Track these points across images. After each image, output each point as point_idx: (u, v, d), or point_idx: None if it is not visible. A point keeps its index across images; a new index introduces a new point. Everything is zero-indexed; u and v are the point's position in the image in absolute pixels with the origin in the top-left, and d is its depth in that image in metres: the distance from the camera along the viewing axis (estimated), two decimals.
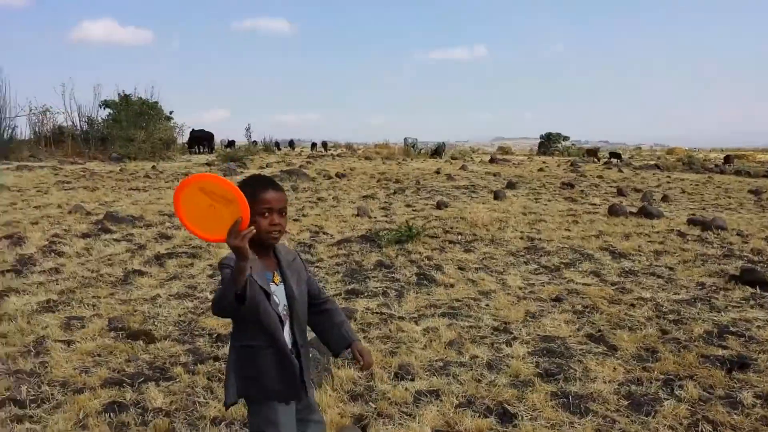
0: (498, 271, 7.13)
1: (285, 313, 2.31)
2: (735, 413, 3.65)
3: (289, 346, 2.33)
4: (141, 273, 6.64)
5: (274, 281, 2.29)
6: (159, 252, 7.51)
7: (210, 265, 7.07)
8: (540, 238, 8.96)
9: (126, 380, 3.95)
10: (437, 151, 36.62)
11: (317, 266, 7.21)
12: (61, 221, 9.56)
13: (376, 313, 5.48)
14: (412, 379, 4.07)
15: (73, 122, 30.33)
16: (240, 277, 1.99)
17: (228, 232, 1.97)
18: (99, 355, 4.38)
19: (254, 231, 2.02)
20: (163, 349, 4.50)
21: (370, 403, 3.72)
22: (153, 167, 21.73)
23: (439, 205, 12.12)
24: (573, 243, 8.66)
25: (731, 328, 5.10)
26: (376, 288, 6.30)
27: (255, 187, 2.24)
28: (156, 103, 33.16)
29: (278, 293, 2.29)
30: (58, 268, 6.75)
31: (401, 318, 5.34)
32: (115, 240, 8.22)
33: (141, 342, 4.58)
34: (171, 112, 34.98)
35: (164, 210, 10.81)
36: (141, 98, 32.38)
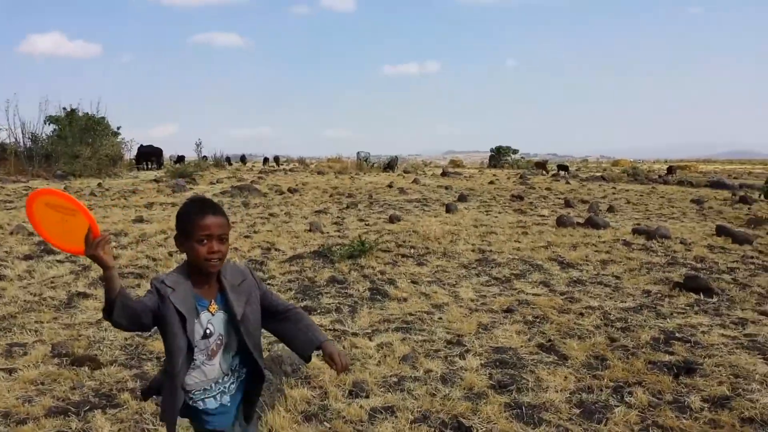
0: (450, 283, 7.18)
1: (219, 341, 2.26)
2: (684, 417, 3.75)
3: (224, 373, 2.31)
4: (86, 295, 6.43)
5: (209, 310, 2.23)
6: None
7: None
8: (491, 250, 9.06)
9: (71, 409, 3.81)
10: (390, 165, 36.73)
11: (269, 283, 7.11)
12: (2, 243, 9.21)
13: (330, 329, 5.45)
14: (367, 396, 4.05)
15: (16, 139, 29.35)
16: (107, 287, 2.01)
17: (84, 242, 1.98)
18: (42, 383, 4.21)
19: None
20: (109, 375, 4.36)
21: (325, 423, 3.68)
22: (99, 185, 21.17)
23: (392, 219, 12.14)
24: (523, 254, 8.78)
25: (677, 334, 5.25)
26: (330, 304, 6.26)
27: (191, 212, 2.19)
28: (103, 118, 32.35)
29: (214, 322, 2.24)
30: None
31: (355, 334, 5.32)
32: (58, 261, 7.96)
33: (86, 368, 4.42)
34: (118, 128, 34.22)
35: (110, 229, 10.53)
36: (87, 114, 31.56)
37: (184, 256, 2.24)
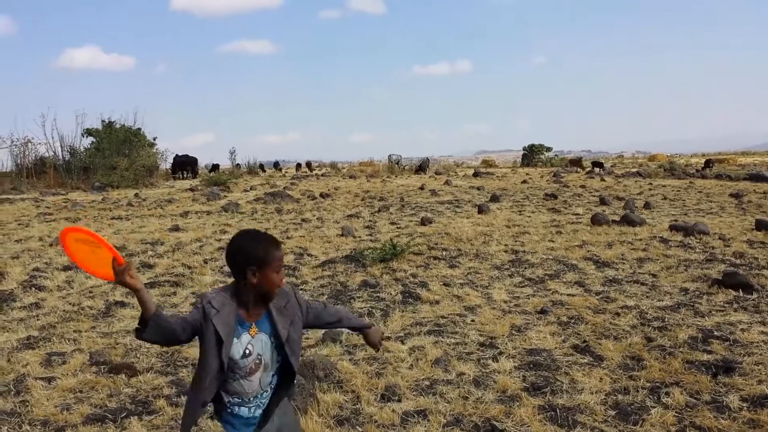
0: (483, 285, 7.13)
1: (257, 361, 2.34)
2: (722, 418, 3.66)
3: (262, 390, 2.41)
4: (123, 304, 6.57)
5: (249, 333, 2.31)
6: None
7: (193, 293, 7.01)
8: (524, 251, 8.98)
9: (108, 416, 3.89)
10: (421, 167, 36.67)
11: (302, 289, 7.17)
12: (42, 254, 9.46)
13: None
14: (399, 400, 4.05)
15: (55, 152, 30.15)
16: (142, 308, 2.13)
17: (113, 272, 2.12)
18: (80, 392, 4.31)
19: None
20: (145, 382, 4.45)
21: (357, 427, 3.69)
22: (136, 195, 21.60)
23: (424, 222, 12.12)
24: (557, 254, 8.69)
25: (715, 333, 5.13)
26: (362, 308, 6.28)
27: (267, 244, 2.30)
28: (139, 129, 33.07)
29: (254, 343, 2.32)
30: (38, 303, 6.67)
31: (387, 338, 5.31)
32: None
33: (123, 376, 4.52)
34: (155, 139, 34.90)
35: (147, 239, 10.73)
36: (124, 125, 32.27)
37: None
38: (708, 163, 35.62)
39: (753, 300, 6.13)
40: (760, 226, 10.21)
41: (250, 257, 2.26)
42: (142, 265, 8.51)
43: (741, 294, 6.29)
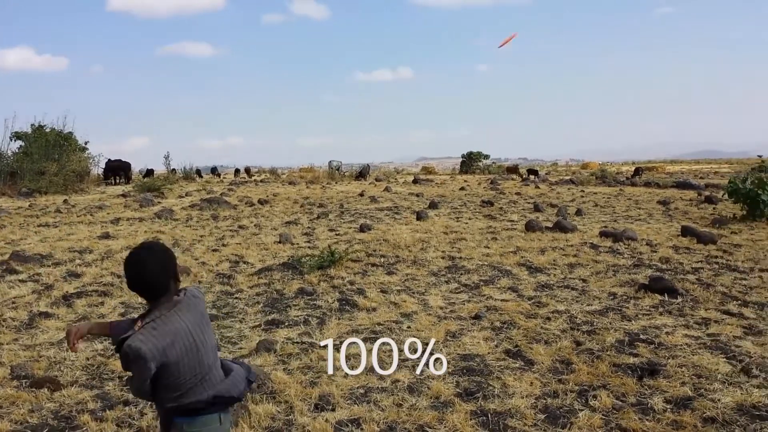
0: (420, 291, 7.18)
1: None
2: (647, 419, 3.79)
3: None
4: (47, 315, 6.30)
5: None
6: (68, 292, 7.16)
7: (122, 303, 6.79)
8: (461, 257, 9.09)
9: None
10: (362, 174, 36.66)
11: (237, 297, 7.05)
12: None
13: (297, 342, 5.40)
14: (333, 410, 4.02)
15: None
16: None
17: None
18: (0, 407, 4.11)
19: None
20: (69, 396, 4.28)
21: None
22: (65, 201, 20.80)
23: (363, 228, 12.12)
24: (492, 260, 8.83)
25: (641, 336, 5.30)
26: (298, 317, 6.22)
27: (166, 247, 2.41)
28: (70, 133, 31.94)
29: None
30: None
31: (323, 346, 5.28)
32: (20, 281, 7.79)
33: (46, 390, 4.33)
34: (86, 143, 33.79)
35: (75, 246, 10.34)
36: (54, 129, 31.10)
37: None
38: (637, 171, 36.87)
39: (678, 304, 6.36)
40: (685, 232, 10.64)
41: (174, 260, 2.34)
42: (69, 274, 8.19)
43: (666, 298, 6.53)
